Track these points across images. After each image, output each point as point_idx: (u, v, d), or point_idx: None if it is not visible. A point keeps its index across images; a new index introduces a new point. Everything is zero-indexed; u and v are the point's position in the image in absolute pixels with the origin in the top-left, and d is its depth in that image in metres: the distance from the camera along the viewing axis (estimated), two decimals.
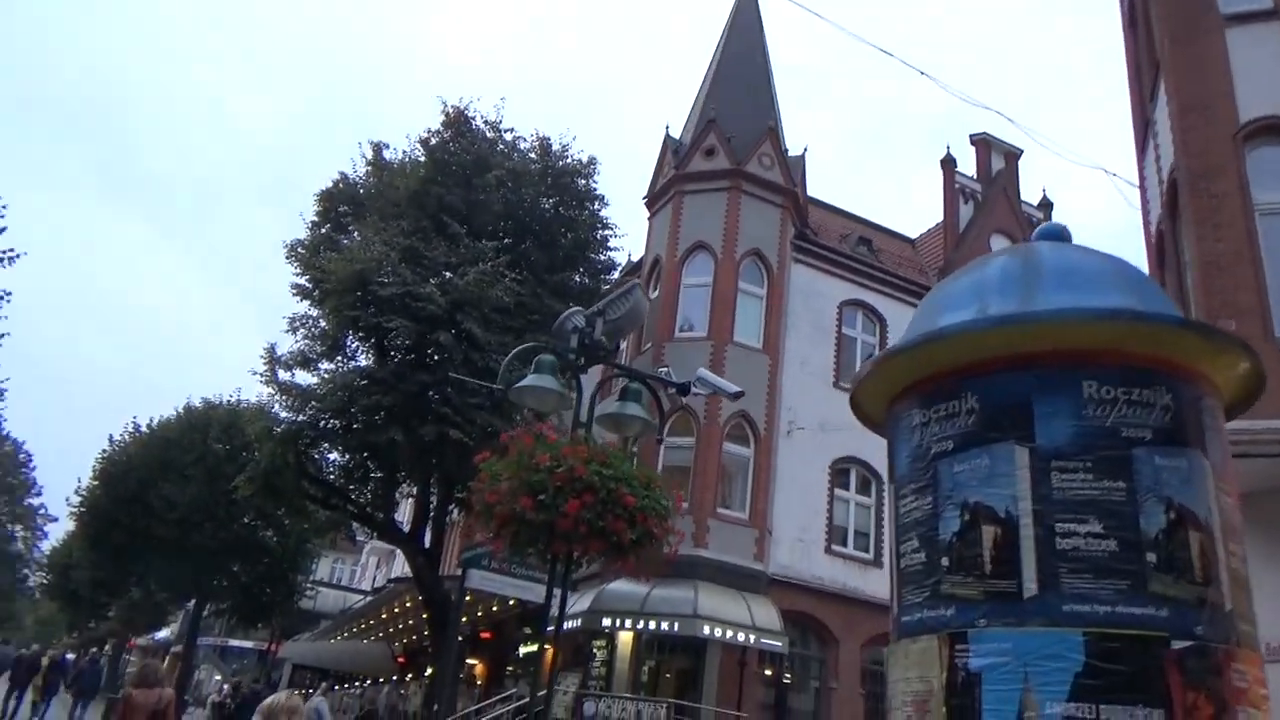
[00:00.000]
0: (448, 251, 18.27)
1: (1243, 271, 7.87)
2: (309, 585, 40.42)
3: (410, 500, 24.49)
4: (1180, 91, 8.82)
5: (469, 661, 26.83)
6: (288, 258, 20.46)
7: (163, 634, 56.35)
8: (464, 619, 20.71)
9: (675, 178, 22.03)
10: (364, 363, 19.31)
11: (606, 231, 21.31)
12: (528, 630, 23.13)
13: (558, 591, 7.10)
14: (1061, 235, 3.77)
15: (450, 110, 20.67)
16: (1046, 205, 26.50)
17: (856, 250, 23.75)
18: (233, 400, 31.64)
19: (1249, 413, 3.57)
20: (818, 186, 45.01)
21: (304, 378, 19.44)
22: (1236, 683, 2.86)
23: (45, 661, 24.79)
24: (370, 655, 35.59)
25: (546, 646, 8.06)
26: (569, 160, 21.20)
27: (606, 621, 17.38)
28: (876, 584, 19.93)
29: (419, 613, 23.60)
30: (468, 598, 17.20)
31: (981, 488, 3.17)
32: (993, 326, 3.28)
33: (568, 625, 14.02)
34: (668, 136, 23.25)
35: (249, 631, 47.08)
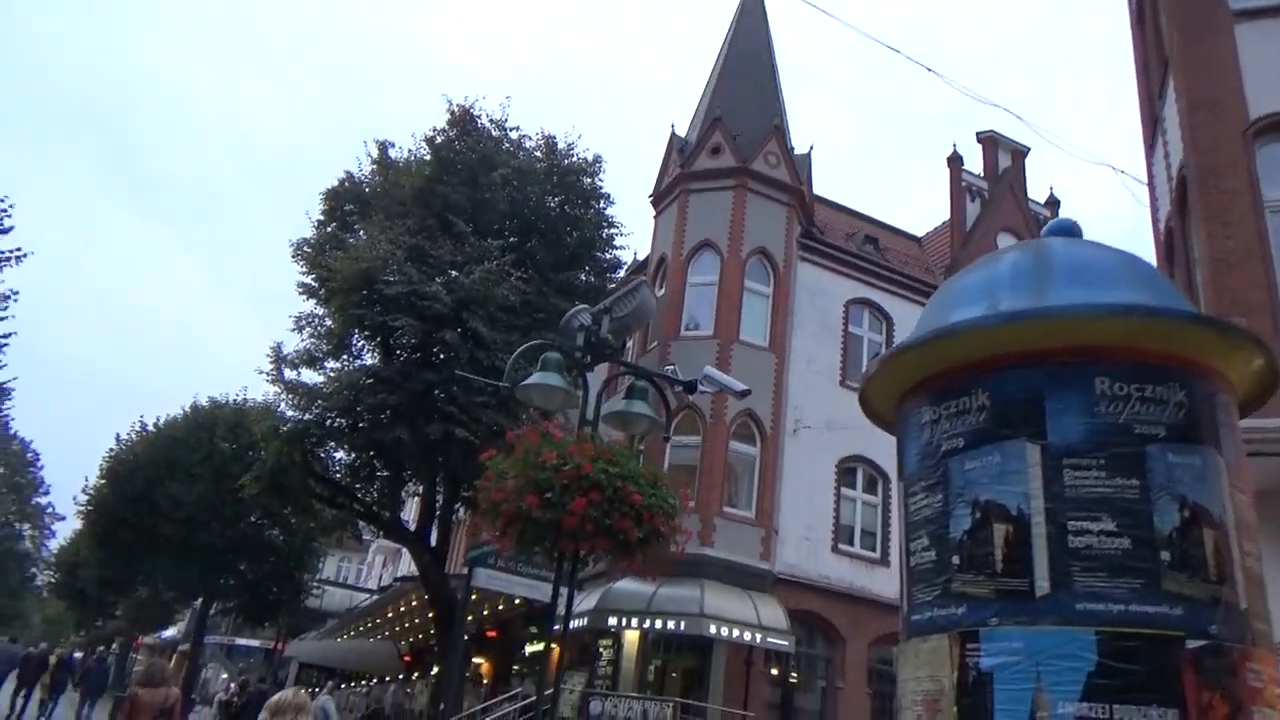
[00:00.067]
0: (453, 250, 18.27)
1: (1253, 269, 7.81)
2: (315, 584, 40.47)
3: (416, 499, 24.54)
4: (1189, 88, 8.76)
5: (475, 660, 26.83)
6: (294, 256, 20.49)
7: (170, 633, 56.52)
8: (470, 618, 20.71)
9: (681, 176, 22.00)
10: (370, 361, 19.32)
11: (612, 230, 21.30)
12: (533, 629, 23.13)
13: (564, 590, 7.08)
14: (1072, 231, 3.74)
15: (456, 109, 20.68)
16: (1053, 203, 26.42)
17: (863, 249, 23.69)
18: (239, 399, 31.69)
19: (1261, 411, 3.54)
20: (824, 185, 44.93)
21: (310, 376, 19.48)
22: (1252, 682, 2.83)
23: (53, 660, 24.88)
24: (376, 654, 35.63)
25: (553, 645, 8.03)
26: (574, 159, 21.19)
27: (613, 620, 17.36)
28: (883, 583, 19.89)
29: (425, 611, 23.63)
30: (474, 596, 17.20)
31: (993, 485, 3.14)
32: (1004, 322, 3.25)
33: (574, 624, 14.01)
34: (673, 135, 23.22)
35: (255, 630, 47.14)
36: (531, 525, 6.30)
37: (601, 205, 21.23)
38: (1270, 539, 3.72)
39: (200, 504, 28.16)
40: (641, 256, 24.43)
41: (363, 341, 19.55)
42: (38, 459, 58.33)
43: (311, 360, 19.38)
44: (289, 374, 19.16)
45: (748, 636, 17.00)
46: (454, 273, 17.89)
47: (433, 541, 20.43)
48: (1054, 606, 2.88)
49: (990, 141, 26.43)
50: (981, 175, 25.94)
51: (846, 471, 20.81)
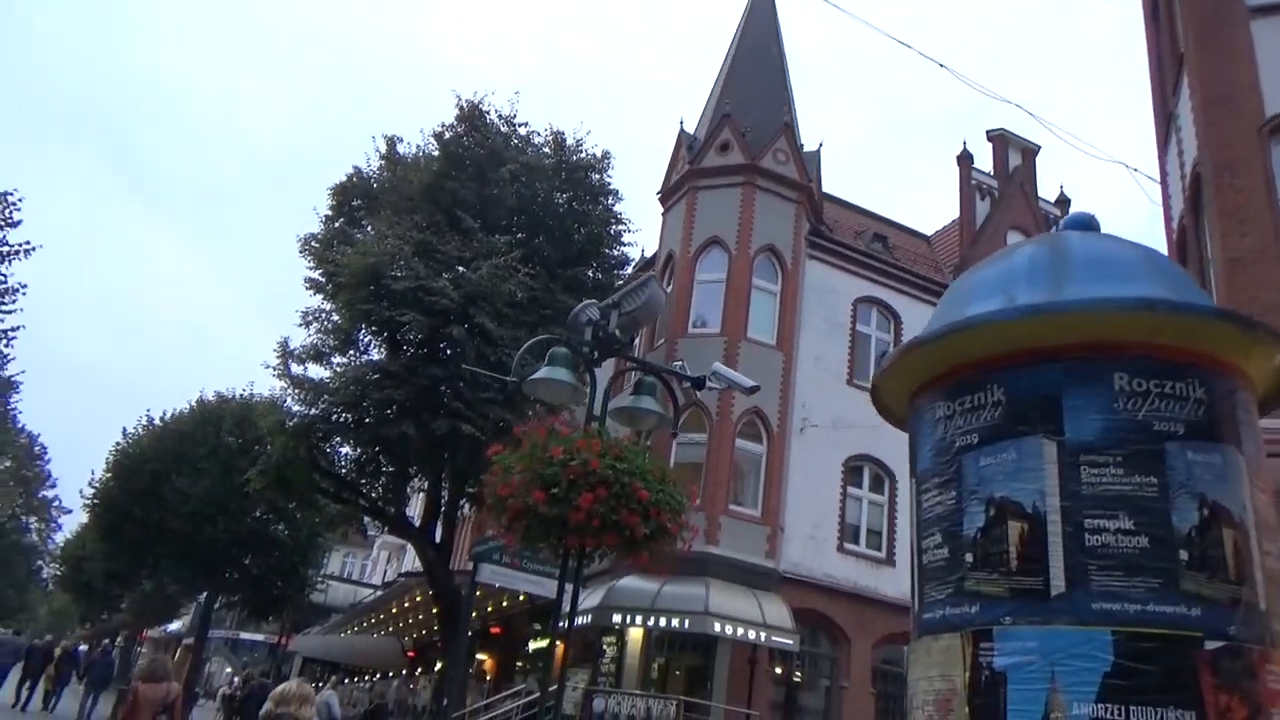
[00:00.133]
0: (461, 246, 18.25)
1: (1267, 267, 7.74)
2: (320, 579, 40.48)
3: (421, 495, 24.52)
4: (1204, 84, 8.68)
5: (478, 657, 26.85)
6: (301, 251, 20.51)
7: (174, 626, 56.73)
8: (474, 614, 20.71)
9: (689, 173, 21.94)
10: (376, 357, 19.33)
11: (620, 226, 21.30)
12: (537, 626, 23.11)
13: (569, 586, 7.04)
14: (1090, 224, 3.68)
15: (464, 104, 20.64)
16: (1064, 202, 26.33)
17: (871, 247, 23.61)
18: (245, 394, 31.72)
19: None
20: (833, 182, 44.92)
21: (316, 371, 19.49)
22: (1271, 684, 2.78)
23: (58, 652, 24.95)
24: (380, 649, 35.69)
25: (557, 642, 7.99)
26: (583, 155, 21.17)
27: (617, 618, 17.34)
28: (889, 583, 19.83)
29: (429, 607, 23.64)
30: (478, 593, 17.18)
31: (1008, 482, 3.09)
32: (1021, 317, 3.20)
33: (578, 621, 13.98)
34: (682, 131, 23.17)
35: (260, 624, 47.23)
36: (538, 520, 6.26)
37: (610, 202, 21.21)
38: None
39: (206, 498, 28.18)
40: (649, 253, 24.40)
41: (370, 337, 19.55)
42: (45, 453, 58.54)
43: (318, 355, 19.38)
44: (296, 369, 19.20)
45: (752, 635, 16.96)
46: (461, 268, 17.88)
47: (437, 537, 20.43)
48: (1069, 606, 2.84)
49: (1000, 140, 26.34)
50: (991, 174, 25.85)
51: (853, 470, 20.75)
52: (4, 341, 20.64)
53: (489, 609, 23.97)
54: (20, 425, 51.26)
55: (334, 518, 25.78)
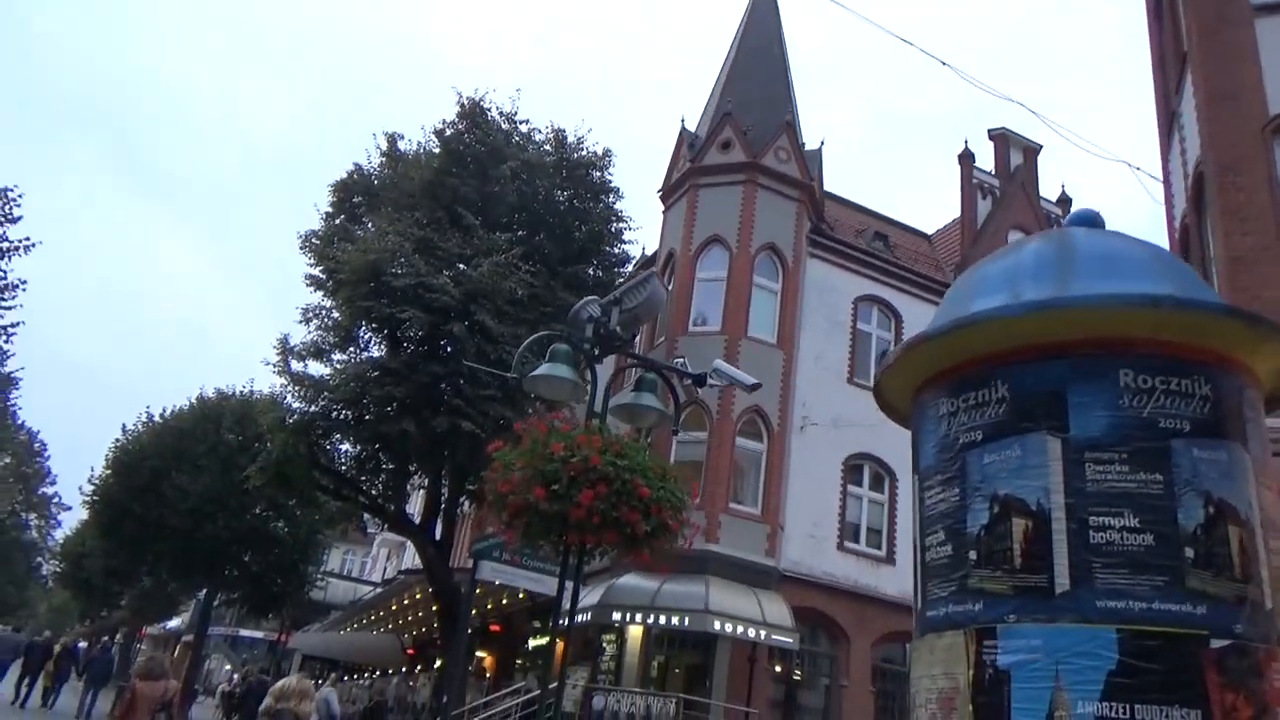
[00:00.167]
0: (461, 243, 18.23)
1: (1270, 266, 7.72)
2: (319, 576, 40.46)
3: (421, 492, 24.50)
4: (1207, 83, 8.66)
5: (478, 654, 26.85)
6: (301, 248, 20.49)
7: (174, 623, 56.70)
8: (474, 612, 20.70)
9: (690, 171, 21.92)
10: (376, 354, 19.30)
11: (621, 224, 21.26)
12: (537, 624, 23.11)
13: (569, 584, 7.02)
14: (1095, 221, 3.67)
15: (465, 101, 20.60)
16: (1065, 201, 26.30)
17: (872, 245, 23.58)
18: (245, 391, 31.69)
19: None
20: (834, 181, 44.80)
21: (317, 368, 19.44)
22: (1277, 683, 2.78)
23: (57, 649, 24.95)
24: (379, 647, 35.69)
25: (557, 639, 7.98)
26: (584, 152, 21.14)
27: (616, 616, 17.32)
28: (889, 581, 19.82)
29: (429, 605, 23.64)
30: (478, 590, 17.17)
31: (1012, 479, 3.09)
32: (1027, 313, 3.19)
33: (577, 619, 13.97)
34: (683, 129, 23.14)
35: (259, 622, 47.24)
36: (538, 517, 6.24)
37: (611, 199, 21.18)
38: None
39: (206, 495, 28.15)
40: (650, 251, 24.38)
41: (370, 334, 19.52)
42: (44, 449, 58.46)
43: (318, 352, 19.35)
44: (296, 366, 19.15)
45: (752, 633, 16.95)
46: (462, 265, 17.85)
47: (437, 535, 20.41)
48: (1074, 604, 2.83)
49: (1002, 139, 26.31)
50: (993, 173, 25.81)
51: (853, 469, 20.73)
52: (4, 338, 20.60)
53: (489, 606, 23.96)
54: (20, 422, 51.22)
55: (334, 515, 25.76)
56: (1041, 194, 26.19)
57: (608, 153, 21.24)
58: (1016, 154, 26.24)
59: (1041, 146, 26.69)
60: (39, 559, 62.90)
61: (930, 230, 27.97)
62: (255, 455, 21.57)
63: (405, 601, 28.70)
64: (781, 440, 19.72)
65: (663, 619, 17.01)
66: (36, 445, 57.41)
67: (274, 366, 19.08)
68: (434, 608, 21.35)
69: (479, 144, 20.04)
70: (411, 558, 35.34)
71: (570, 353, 7.18)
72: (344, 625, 40.83)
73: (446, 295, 16.91)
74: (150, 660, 9.33)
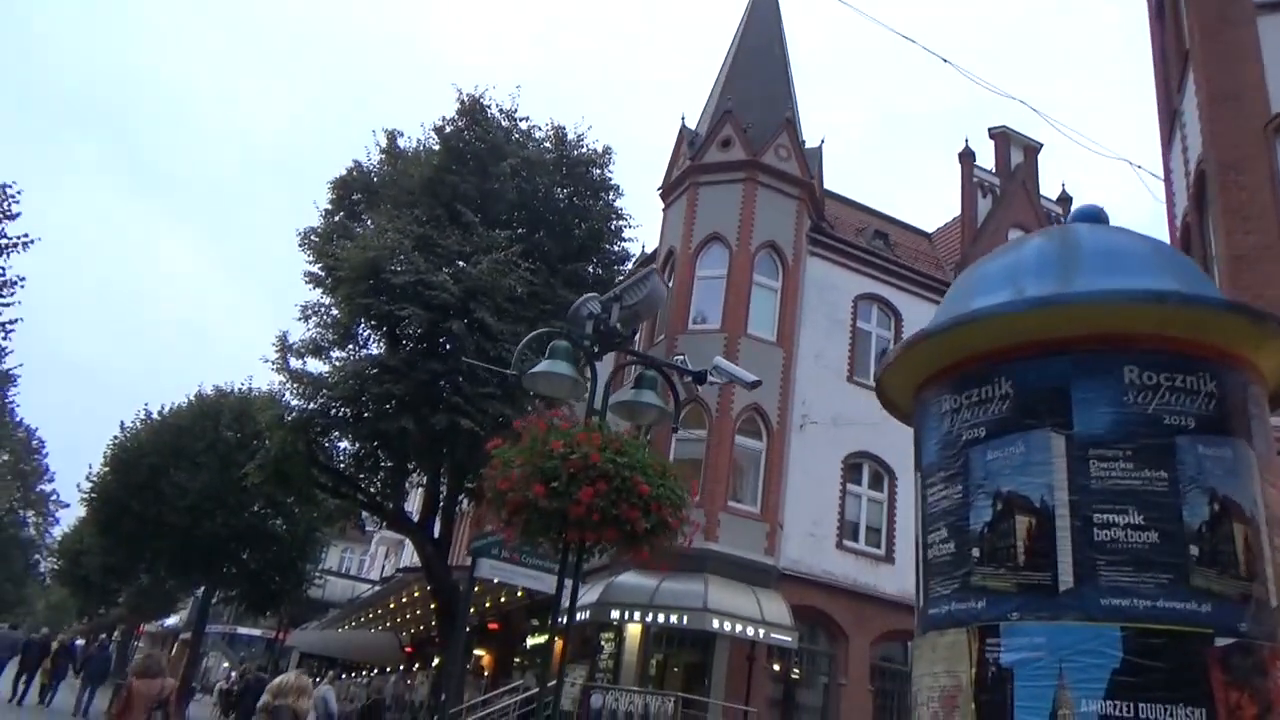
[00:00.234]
0: (461, 240, 18.20)
1: (1271, 265, 7.70)
2: (318, 574, 40.44)
3: (420, 490, 24.48)
4: (1210, 81, 8.64)
5: (476, 653, 26.83)
6: (300, 245, 20.44)
7: (171, 621, 56.68)
8: (472, 610, 20.68)
9: (690, 169, 21.89)
10: (375, 351, 19.27)
11: (621, 222, 21.23)
12: (535, 622, 23.09)
13: (569, 581, 6.99)
14: (1098, 217, 3.64)
15: (465, 98, 20.56)
16: (1066, 199, 26.27)
17: (872, 244, 23.56)
18: (244, 388, 31.66)
19: None
20: (834, 180, 44.83)
21: (315, 366, 19.41)
22: None
23: (54, 646, 24.91)
24: (378, 645, 35.67)
25: (556, 637, 7.95)
26: (584, 150, 21.10)
27: (615, 614, 17.30)
28: (888, 580, 19.81)
29: (427, 603, 23.61)
30: (476, 588, 17.15)
31: (1015, 476, 3.07)
32: (1030, 309, 3.17)
33: (576, 617, 13.94)
34: (683, 127, 23.11)
35: (257, 619, 47.25)
36: (537, 514, 6.22)
37: (610, 197, 21.15)
38: None
39: (204, 492, 28.13)
40: (650, 249, 24.35)
41: (369, 331, 19.49)
42: (43, 446, 58.40)
43: (317, 350, 19.32)
44: (294, 363, 19.12)
45: (751, 632, 16.93)
46: (461, 263, 17.83)
47: (436, 533, 20.38)
48: (1078, 601, 2.82)
49: (1002, 137, 26.29)
50: (993, 171, 25.80)
51: (852, 467, 20.72)
52: (2, 334, 20.54)
53: (487, 605, 23.95)
54: (18, 419, 51.12)
55: (332, 512, 25.73)
56: (1042, 192, 26.19)
57: (608, 150, 21.21)
58: (1017, 152, 26.23)
59: (1042, 145, 26.69)
60: (37, 556, 62.81)
61: (930, 229, 27.95)
62: (254, 453, 21.52)
63: (403, 599, 28.69)
64: (781, 438, 19.70)
65: (661, 617, 16.99)
66: (35, 443, 57.38)
67: (273, 364, 19.07)
68: (432, 606, 21.33)
69: (479, 141, 20.01)
70: (410, 556, 35.32)
71: (570, 349, 7.15)
72: (342, 623, 40.82)
73: (446, 292, 16.88)
74: (147, 658, 9.33)
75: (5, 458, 53.67)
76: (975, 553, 3.09)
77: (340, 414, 18.54)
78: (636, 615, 17.19)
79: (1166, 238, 10.73)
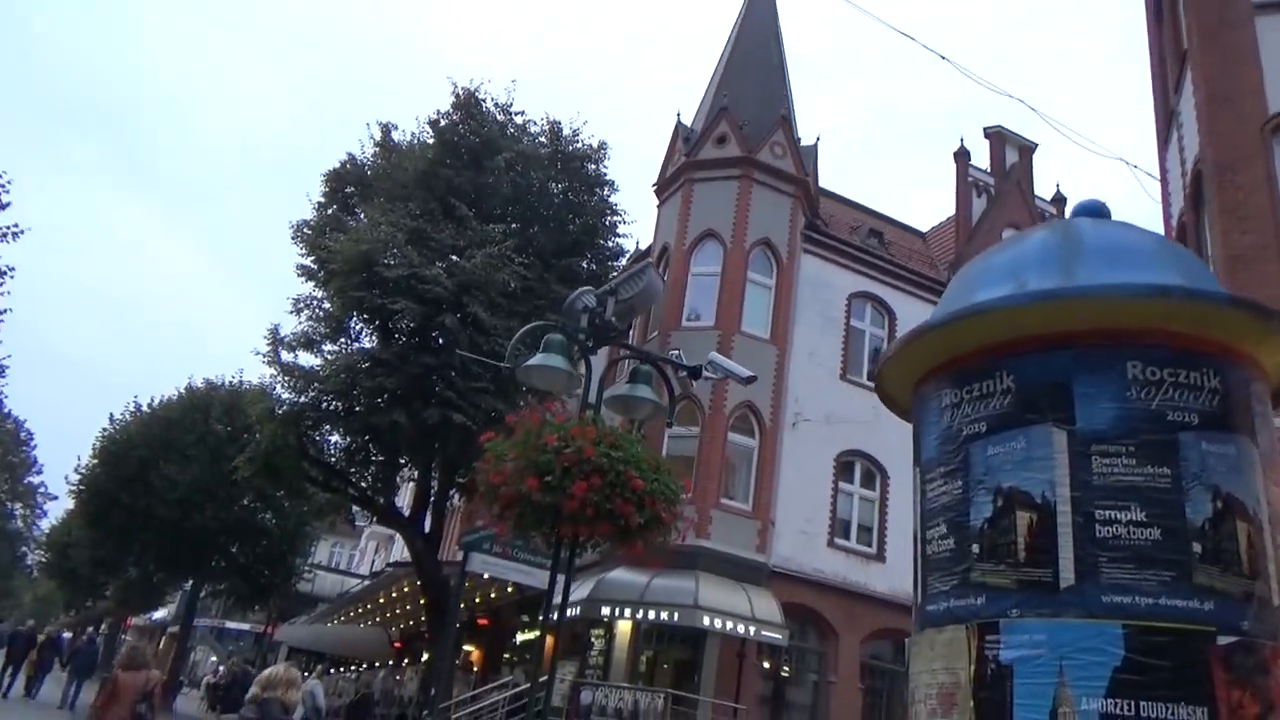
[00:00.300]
0: (455, 234, 18.12)
1: (1268, 265, 7.70)
2: (307, 568, 40.34)
3: (411, 484, 24.40)
4: (1208, 82, 8.63)
5: (465, 648, 26.79)
6: (293, 238, 20.32)
7: (159, 614, 56.45)
8: (461, 605, 20.62)
9: (685, 165, 21.84)
10: (368, 345, 19.18)
11: (615, 218, 21.16)
12: (525, 618, 23.06)
13: (561, 576, 6.95)
14: (1101, 211, 3.62)
15: (460, 91, 20.48)
16: (1060, 200, 26.30)
17: (867, 242, 23.55)
18: (235, 381, 31.54)
19: None
20: (829, 178, 44.78)
21: (307, 359, 19.32)
22: None
23: (41, 639, 24.76)
24: (367, 640, 35.58)
25: (548, 632, 7.91)
26: (579, 145, 21.02)
27: (605, 610, 17.27)
28: (878, 578, 19.83)
29: (417, 598, 23.54)
30: (467, 583, 17.09)
31: (1016, 471, 3.04)
32: (1032, 302, 3.14)
33: (567, 613, 13.89)
34: (679, 124, 23.05)
35: (246, 613, 47.09)
36: (531, 509, 6.16)
37: (605, 193, 21.07)
38: None
39: (194, 485, 28.01)
40: (644, 246, 24.31)
41: (361, 324, 19.39)
42: (31, 438, 58.15)
43: (309, 343, 19.22)
44: (286, 356, 19.03)
45: (741, 629, 16.92)
46: (455, 257, 17.76)
47: (426, 527, 20.31)
48: (1079, 598, 2.79)
49: (997, 137, 26.33)
50: (988, 171, 25.84)
51: (844, 466, 20.72)
52: None
53: (477, 600, 23.89)
54: (6, 410, 50.83)
55: (322, 507, 25.63)
56: (1037, 193, 26.23)
57: (603, 145, 21.14)
58: (1012, 152, 26.28)
59: (1037, 145, 26.73)
60: (24, 549, 62.51)
61: (925, 228, 27.97)
62: (244, 446, 21.43)
63: (393, 594, 28.60)
64: (773, 436, 19.69)
65: (652, 614, 16.97)
66: (23, 434, 57.11)
67: (264, 357, 18.98)
68: (422, 601, 21.26)
69: (473, 135, 19.93)
70: (400, 550, 35.26)
71: (565, 343, 7.10)
72: (331, 618, 40.66)
73: (439, 286, 16.81)
74: (133, 649, 9.30)
75: None
76: (975, 549, 3.07)
77: (331, 407, 18.47)
78: (627, 612, 17.17)
79: None
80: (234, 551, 31.35)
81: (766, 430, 19.60)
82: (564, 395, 7.94)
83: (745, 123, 21.56)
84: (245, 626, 51.58)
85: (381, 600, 30.64)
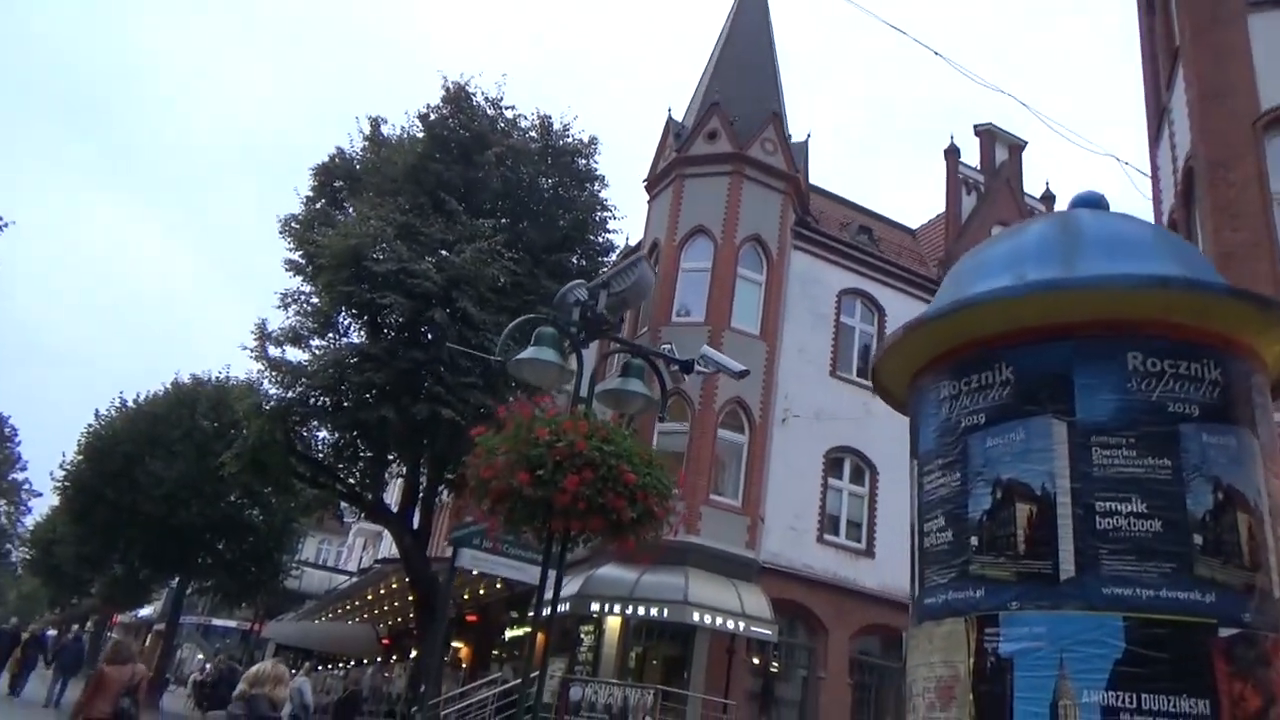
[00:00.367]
0: (444, 229, 18.05)
1: (1259, 262, 7.72)
2: (295, 565, 40.15)
3: (399, 481, 24.32)
4: (1200, 78, 8.64)
5: (454, 645, 26.72)
6: (281, 233, 20.22)
7: (145, 612, 56.11)
8: (450, 601, 20.56)
9: (676, 160, 21.80)
10: (356, 340, 19.09)
11: (605, 213, 21.13)
12: (514, 614, 23.01)
13: (552, 571, 6.91)
14: (1100, 203, 3.61)
15: (450, 86, 20.39)
16: (1049, 197, 26.39)
17: (857, 239, 23.57)
18: (222, 377, 31.32)
19: None
20: (820, 174, 44.88)
21: (295, 354, 19.21)
22: None
23: (25, 637, 24.56)
24: (355, 636, 35.46)
25: (539, 627, 7.87)
26: (570, 140, 20.97)
27: (595, 606, 17.24)
28: (868, 574, 19.87)
29: (405, 594, 23.47)
30: (456, 579, 17.04)
31: (1015, 463, 3.02)
32: (1031, 293, 3.12)
33: (556, 609, 13.86)
34: (670, 119, 23.00)
35: (232, 611, 46.80)
36: (522, 503, 6.12)
37: (596, 188, 21.04)
38: None
39: (180, 481, 27.82)
40: (634, 241, 24.26)
41: (349, 319, 19.31)
42: (15, 434, 57.70)
43: (297, 338, 19.11)
44: (273, 351, 18.91)
45: (731, 625, 16.92)
46: (444, 251, 17.70)
47: (415, 524, 20.24)
48: (1079, 590, 2.77)
49: (988, 134, 26.39)
50: (978, 168, 25.89)
51: (834, 462, 20.74)
52: None
53: (465, 597, 23.84)
54: None
55: (310, 503, 25.54)
56: (1026, 190, 26.30)
57: (593, 140, 21.10)
58: (1002, 150, 26.35)
59: (1026, 143, 26.80)
60: (8, 546, 62.02)
61: (915, 225, 28.02)
62: (231, 442, 21.31)
63: (381, 591, 28.48)
64: (763, 432, 19.68)
65: (641, 610, 16.95)
66: (7, 430, 56.67)
67: (251, 352, 18.86)
68: (410, 597, 21.19)
69: (463, 129, 19.85)
70: (388, 547, 35.14)
71: (556, 336, 7.05)
72: (319, 615, 40.49)
73: (428, 281, 16.74)
74: (118, 644, 9.28)
75: None
76: (974, 541, 3.04)
77: (319, 403, 18.38)
78: (617, 608, 17.13)
79: None
80: (220, 548, 31.17)
81: (756, 426, 19.59)
82: (554, 390, 7.90)
83: (736, 119, 21.53)
84: (232, 624, 51.29)
85: (369, 597, 30.53)
